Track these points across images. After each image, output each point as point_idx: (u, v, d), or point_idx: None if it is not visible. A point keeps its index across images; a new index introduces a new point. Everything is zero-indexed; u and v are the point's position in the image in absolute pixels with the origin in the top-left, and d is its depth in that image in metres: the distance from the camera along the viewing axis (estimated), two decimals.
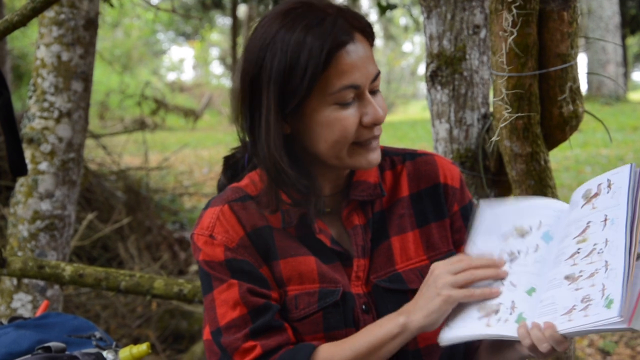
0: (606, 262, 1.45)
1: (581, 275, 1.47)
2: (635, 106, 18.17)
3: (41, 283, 3.39)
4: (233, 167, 1.81)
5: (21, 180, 3.42)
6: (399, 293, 1.68)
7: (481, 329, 1.52)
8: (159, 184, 8.56)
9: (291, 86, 1.56)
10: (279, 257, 1.66)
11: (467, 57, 2.66)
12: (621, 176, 1.53)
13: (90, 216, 5.26)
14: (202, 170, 11.76)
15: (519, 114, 2.28)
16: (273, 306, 1.63)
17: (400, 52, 34.05)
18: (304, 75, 1.55)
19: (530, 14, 2.18)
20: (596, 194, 1.56)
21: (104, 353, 1.99)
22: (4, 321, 2.23)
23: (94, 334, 2.14)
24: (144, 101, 9.45)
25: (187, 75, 36.63)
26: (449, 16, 2.67)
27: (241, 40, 23.29)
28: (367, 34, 1.63)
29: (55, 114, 3.40)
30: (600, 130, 12.11)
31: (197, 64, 36.79)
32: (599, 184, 1.57)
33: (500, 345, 1.64)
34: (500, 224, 1.65)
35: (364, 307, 1.68)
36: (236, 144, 1.80)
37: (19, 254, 3.38)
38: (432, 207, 1.77)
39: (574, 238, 1.54)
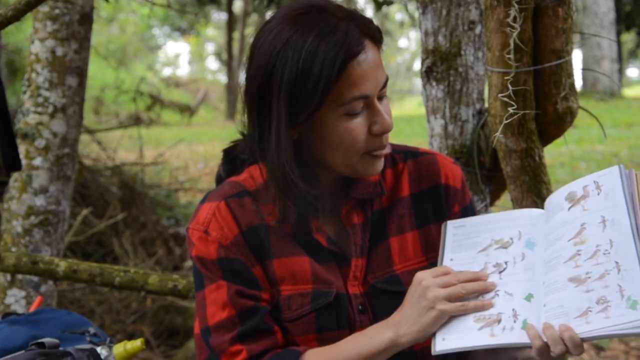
0: (617, 263, 1.44)
1: (589, 277, 1.46)
2: (630, 102, 18.19)
3: (35, 279, 3.38)
4: (232, 160, 1.80)
5: (15, 175, 3.41)
6: (395, 294, 1.67)
7: (486, 340, 1.51)
8: (154, 179, 8.54)
9: (303, 96, 1.54)
10: (273, 257, 1.65)
11: (463, 52, 2.66)
12: (611, 178, 1.53)
13: (85, 212, 5.25)
14: (198, 166, 11.74)
15: (514, 111, 2.28)
16: (262, 308, 1.62)
17: (396, 47, 34.09)
18: (316, 86, 1.52)
19: (526, 9, 2.18)
20: (584, 196, 1.56)
21: (98, 349, 1.98)
22: None
23: (88, 329, 2.13)
24: (139, 96, 9.43)
25: (183, 70, 36.64)
26: (444, 12, 2.66)
27: (237, 35, 23.27)
28: (377, 39, 1.61)
29: (50, 109, 3.39)
30: (595, 126, 12.11)
31: (192, 59, 36.76)
32: (585, 186, 1.57)
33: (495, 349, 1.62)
34: (476, 239, 1.65)
35: (360, 307, 1.67)
36: (231, 138, 1.80)
37: (13, 249, 3.37)
38: (432, 207, 1.76)
39: (569, 240, 1.53)
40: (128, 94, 9.66)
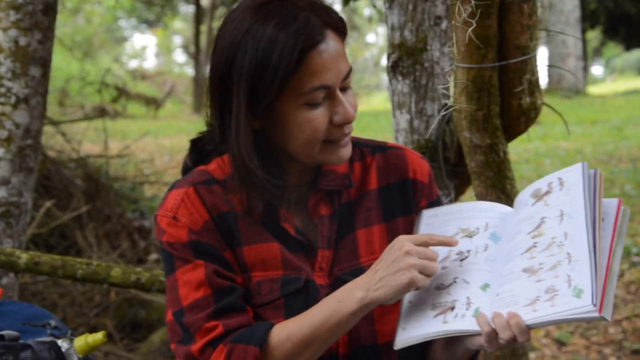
0: (568, 254, 1.47)
1: (542, 268, 1.49)
2: (594, 100, 18.42)
3: None
4: (199, 151, 1.79)
5: None
6: None
7: (438, 327, 1.54)
8: (119, 172, 8.48)
9: (262, 86, 1.55)
10: (243, 244, 1.65)
11: (428, 48, 2.67)
12: (573, 174, 1.56)
13: (48, 204, 5.20)
14: (164, 159, 11.68)
15: (476, 107, 2.30)
16: (237, 289, 1.62)
17: (364, 42, 34.13)
18: (275, 75, 1.53)
19: (490, 5, 2.19)
20: (547, 192, 1.59)
21: (59, 342, 1.97)
22: None
23: (49, 322, 2.11)
24: (105, 88, 9.33)
25: (150, 63, 36.33)
26: (410, 7, 2.67)
27: (204, 28, 23.16)
28: (340, 30, 1.60)
29: (13, 99, 3.34)
30: (559, 123, 12.19)
31: (159, 52, 36.50)
32: (549, 183, 1.60)
33: (452, 339, 1.63)
34: (445, 227, 1.67)
35: None
36: (198, 131, 1.79)
37: None
38: (399, 201, 1.76)
39: (528, 233, 1.56)
40: (93, 85, 9.57)
